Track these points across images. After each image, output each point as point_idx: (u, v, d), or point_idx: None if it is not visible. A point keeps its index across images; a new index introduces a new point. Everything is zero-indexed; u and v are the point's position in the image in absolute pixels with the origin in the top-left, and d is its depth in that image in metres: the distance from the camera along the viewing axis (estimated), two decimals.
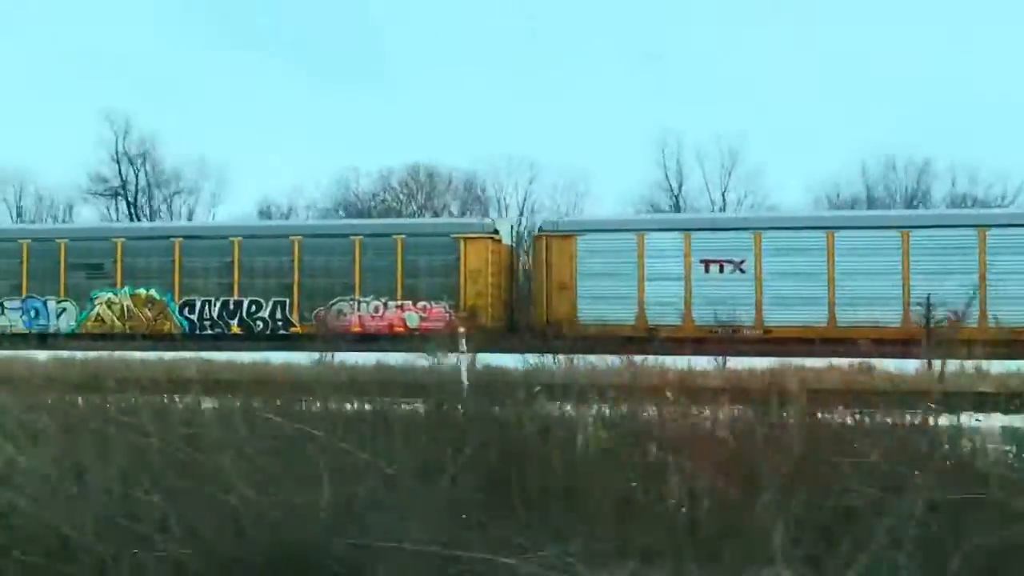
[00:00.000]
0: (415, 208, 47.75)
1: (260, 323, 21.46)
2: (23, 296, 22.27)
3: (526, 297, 21.22)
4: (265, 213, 46.73)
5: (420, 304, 20.86)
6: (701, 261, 19.73)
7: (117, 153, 47.72)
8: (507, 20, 64.43)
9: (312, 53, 66.20)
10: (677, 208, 41.95)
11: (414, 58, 64.97)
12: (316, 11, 63.12)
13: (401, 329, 20.79)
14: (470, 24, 65.34)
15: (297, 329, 21.22)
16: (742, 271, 19.58)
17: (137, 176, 47.93)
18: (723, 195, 43.30)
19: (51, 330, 22.02)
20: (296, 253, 21.33)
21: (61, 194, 48.41)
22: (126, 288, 21.92)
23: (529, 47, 64.03)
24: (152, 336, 21.13)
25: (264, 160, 63.92)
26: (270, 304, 21.44)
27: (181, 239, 21.93)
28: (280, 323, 21.39)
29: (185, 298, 21.72)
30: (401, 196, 48.72)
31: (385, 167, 48.86)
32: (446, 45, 64.74)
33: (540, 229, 20.66)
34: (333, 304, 21.20)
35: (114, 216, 47.28)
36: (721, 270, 19.68)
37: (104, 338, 21.18)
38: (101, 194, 48.31)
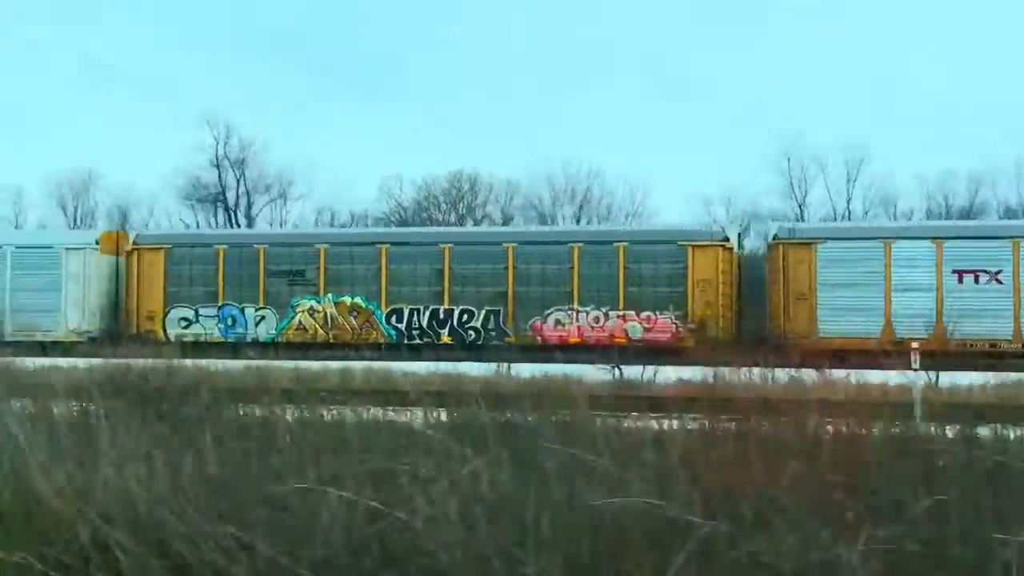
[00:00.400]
0: (457, 216, 47.16)
1: (472, 333, 20.65)
2: (219, 303, 21.59)
3: (757, 306, 20.28)
4: (323, 221, 46.28)
5: (644, 314, 19.99)
6: (953, 271, 18.78)
7: (217, 158, 47.34)
8: (567, 24, 63.75)
9: (355, 65, 65.73)
10: (802, 217, 40.97)
11: (457, 66, 64.37)
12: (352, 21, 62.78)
13: (622, 340, 19.94)
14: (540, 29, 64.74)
15: (512, 339, 20.39)
16: (999, 282, 18.62)
17: (239, 182, 47.48)
18: (848, 203, 42.34)
19: (248, 339, 21.29)
20: (510, 260, 20.53)
21: (157, 199, 48.09)
22: (329, 295, 21.18)
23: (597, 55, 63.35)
24: (356, 345, 20.43)
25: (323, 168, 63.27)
26: (482, 313, 20.63)
27: (388, 245, 21.17)
28: (493, 333, 20.57)
29: (392, 306, 20.96)
30: (444, 204, 48.25)
31: (428, 174, 48.11)
32: (507, 50, 63.99)
33: (775, 236, 19.76)
34: (549, 313, 20.38)
35: (214, 223, 46.85)
36: (976, 280, 18.72)
37: (303, 347, 20.52)
38: (201, 200, 47.90)
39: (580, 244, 20.40)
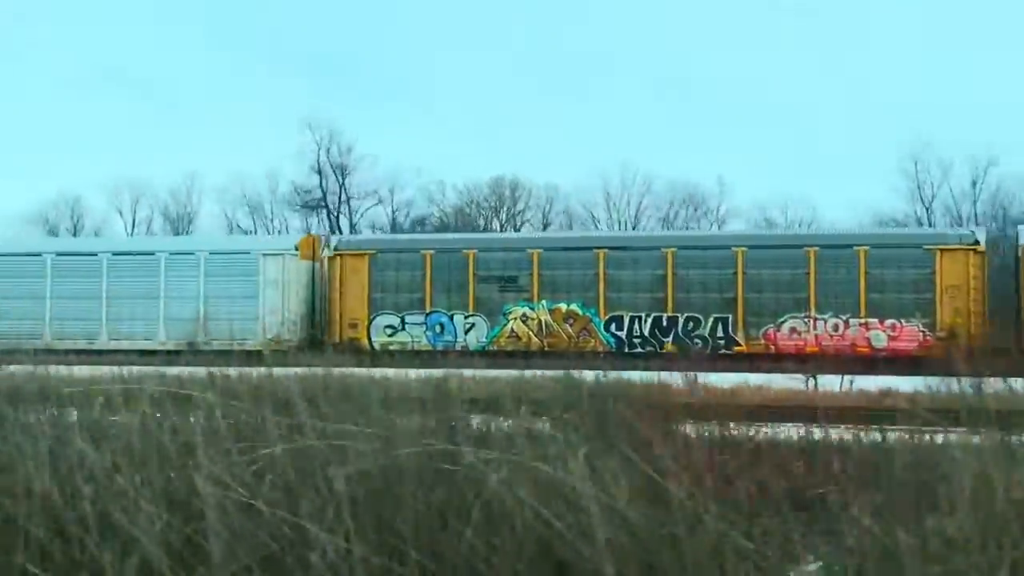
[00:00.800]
0: (500, 222, 46.34)
1: (699, 341, 19.75)
2: (427, 311, 20.84)
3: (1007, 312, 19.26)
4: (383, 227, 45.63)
5: (888, 322, 19.03)
6: None
7: (319, 163, 46.84)
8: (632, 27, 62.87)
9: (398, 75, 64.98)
10: (930, 223, 39.81)
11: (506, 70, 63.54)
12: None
13: (865, 349, 18.99)
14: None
15: (742, 348, 19.50)
16: None
17: (341, 186, 46.92)
18: (974, 206, 41.13)
19: (457, 347, 20.51)
20: (739, 266, 19.64)
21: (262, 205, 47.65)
22: (544, 302, 20.38)
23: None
24: (571, 354, 19.57)
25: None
26: (709, 321, 19.75)
27: (606, 250, 20.34)
28: (721, 341, 19.68)
29: (612, 313, 20.12)
30: (484, 210, 47.49)
31: (470, 180, 47.37)
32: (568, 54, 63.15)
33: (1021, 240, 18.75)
34: (783, 321, 19.46)
35: (315, 227, 46.31)
36: None
37: (512, 355, 19.71)
38: (304, 206, 47.43)
39: (816, 248, 19.46)
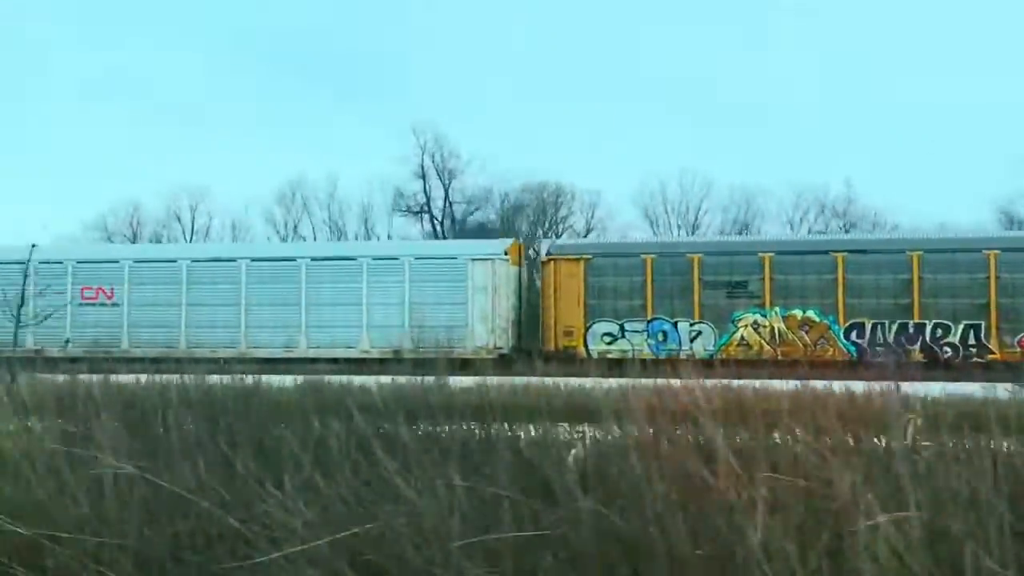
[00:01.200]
0: (543, 228, 45.30)
1: (948, 349, 18.73)
2: (648, 317, 19.95)
3: None
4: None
5: None
6: None
7: (423, 168, 46.19)
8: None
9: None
10: None
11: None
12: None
13: None
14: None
15: (996, 356, 18.45)
16: None
17: (446, 192, 46.24)
18: None
19: (682, 355, 19.58)
20: (991, 270, 18.60)
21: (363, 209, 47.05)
22: (776, 308, 19.43)
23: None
24: (807, 363, 18.61)
25: None
26: (959, 328, 18.71)
27: (845, 253, 19.36)
28: (973, 349, 18.64)
29: (852, 320, 19.13)
30: (531, 215, 46.36)
31: (513, 185, 46.47)
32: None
33: None
34: None
35: (417, 233, 45.65)
36: None
37: (744, 364, 18.75)
38: (407, 211, 46.81)
39: None
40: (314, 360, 19.31)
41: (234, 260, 21.65)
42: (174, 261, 21.86)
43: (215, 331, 21.14)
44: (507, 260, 20.64)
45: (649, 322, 19.93)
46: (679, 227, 44.51)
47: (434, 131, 45.54)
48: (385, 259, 21.12)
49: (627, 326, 20.01)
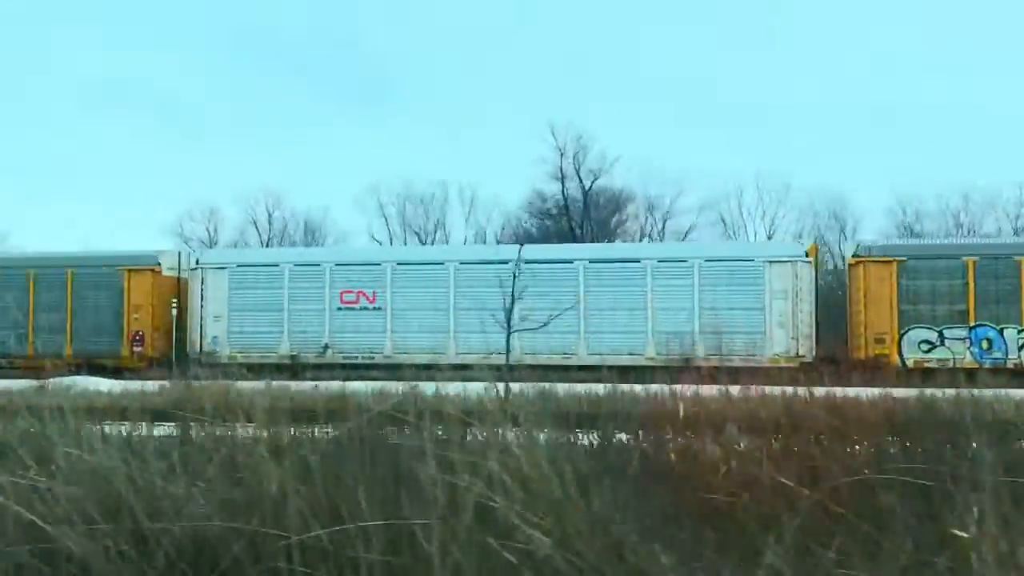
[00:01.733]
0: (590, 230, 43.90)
1: None
2: (970, 324, 18.65)
3: None
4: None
5: None
6: None
7: (561, 170, 45.14)
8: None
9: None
10: None
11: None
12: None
13: None
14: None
15: None
16: None
17: (586, 195, 45.10)
18: None
19: (1009, 364, 18.31)
20: None
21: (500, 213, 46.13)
22: None
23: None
24: None
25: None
26: None
27: None
28: None
29: None
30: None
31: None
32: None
33: None
34: None
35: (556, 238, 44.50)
36: None
37: None
38: (543, 214, 45.77)
39: None
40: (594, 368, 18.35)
41: (506, 262, 20.58)
42: (441, 263, 20.89)
43: (487, 336, 20.07)
44: (809, 262, 19.43)
45: (971, 329, 18.63)
46: (754, 233, 43.49)
47: (577, 133, 44.55)
48: (672, 261, 19.98)
49: (946, 333, 18.72)
